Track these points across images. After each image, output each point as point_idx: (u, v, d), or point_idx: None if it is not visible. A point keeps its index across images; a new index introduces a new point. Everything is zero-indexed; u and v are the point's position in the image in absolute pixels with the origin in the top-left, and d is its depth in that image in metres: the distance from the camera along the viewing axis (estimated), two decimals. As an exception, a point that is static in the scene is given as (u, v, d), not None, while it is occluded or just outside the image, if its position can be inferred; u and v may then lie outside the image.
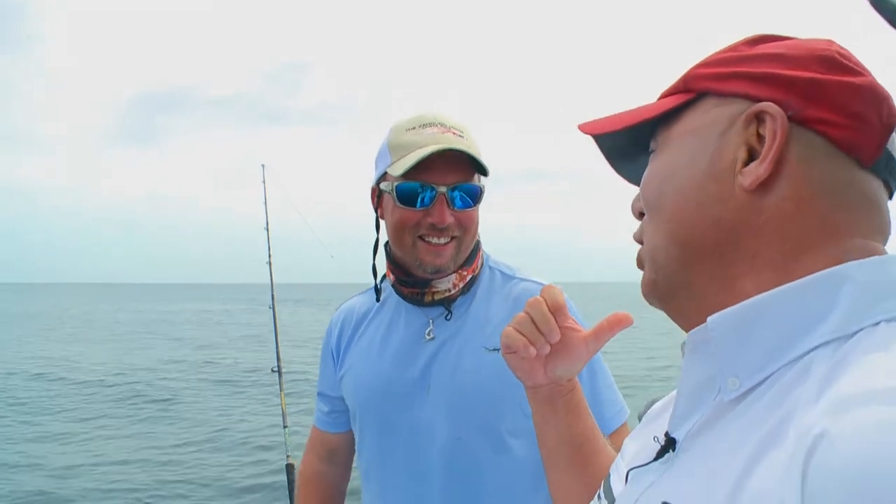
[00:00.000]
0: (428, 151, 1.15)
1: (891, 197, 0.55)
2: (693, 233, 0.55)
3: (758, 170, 0.51)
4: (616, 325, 0.79)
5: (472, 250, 1.30)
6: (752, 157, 0.53)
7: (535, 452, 1.22)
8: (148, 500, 5.98)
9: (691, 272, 0.56)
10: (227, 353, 17.45)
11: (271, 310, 3.54)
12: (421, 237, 1.22)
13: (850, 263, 0.49)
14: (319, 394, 1.48)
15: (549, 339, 0.78)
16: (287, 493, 3.11)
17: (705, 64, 0.58)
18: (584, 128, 0.65)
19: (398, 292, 1.33)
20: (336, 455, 1.49)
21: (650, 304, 0.62)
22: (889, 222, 0.54)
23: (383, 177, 1.26)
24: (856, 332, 0.46)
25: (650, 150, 0.63)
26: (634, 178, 0.67)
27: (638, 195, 0.64)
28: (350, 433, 1.42)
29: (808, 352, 0.47)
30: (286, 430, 3.37)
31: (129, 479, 6.59)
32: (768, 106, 0.52)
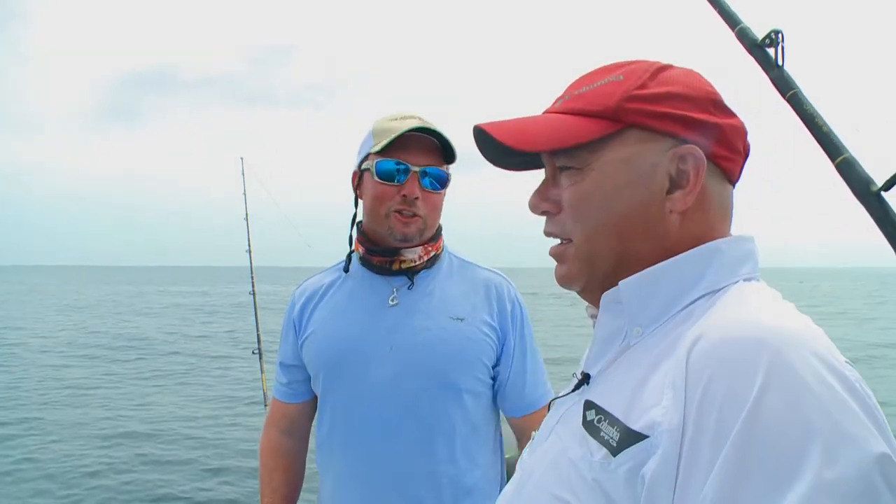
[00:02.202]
0: (407, 127, 1.35)
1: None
2: (631, 247, 0.68)
3: (685, 199, 0.66)
4: None
5: (437, 232, 1.48)
6: (670, 182, 0.67)
7: (486, 415, 1.45)
8: (122, 476, 6.11)
9: (622, 273, 0.69)
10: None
11: (251, 295, 3.71)
12: (395, 210, 1.39)
13: (719, 240, 0.67)
14: (280, 364, 1.55)
15: None
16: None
17: (631, 98, 0.67)
18: (502, 137, 0.69)
19: (366, 263, 1.47)
20: (296, 427, 1.56)
21: (567, 289, 0.75)
22: (733, 213, 0.72)
23: (366, 158, 1.42)
24: (723, 287, 0.64)
25: (559, 164, 0.72)
26: (514, 168, 0.79)
27: (538, 196, 0.74)
28: (308, 404, 1.54)
29: (691, 303, 0.65)
30: (267, 408, 3.52)
31: (103, 453, 6.75)
32: (693, 149, 0.66)
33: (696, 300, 0.65)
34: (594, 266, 0.71)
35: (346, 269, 1.50)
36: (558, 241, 0.74)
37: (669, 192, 0.67)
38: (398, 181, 1.38)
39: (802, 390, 0.50)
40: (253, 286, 3.72)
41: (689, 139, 0.66)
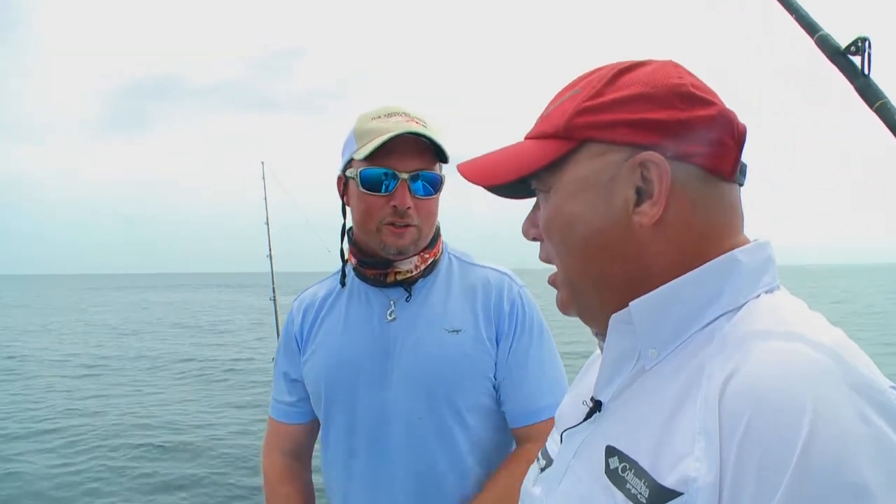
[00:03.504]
0: (392, 134, 1.21)
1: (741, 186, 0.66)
2: (603, 269, 0.64)
3: (652, 210, 0.61)
4: None
5: (434, 236, 1.36)
6: (638, 193, 0.61)
7: (493, 432, 1.32)
8: (149, 480, 6.10)
9: (605, 295, 0.65)
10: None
11: (272, 301, 3.67)
12: (386, 223, 1.27)
13: (737, 250, 0.61)
14: (285, 379, 1.45)
15: None
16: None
17: (581, 111, 0.63)
18: (471, 178, 0.70)
19: (360, 275, 1.37)
20: (302, 449, 1.46)
21: (567, 315, 0.71)
22: (743, 216, 0.65)
23: (349, 164, 1.31)
24: (744, 304, 0.59)
25: (533, 187, 0.70)
26: (507, 196, 0.76)
27: (528, 221, 0.72)
28: (315, 422, 1.43)
29: (710, 322, 0.60)
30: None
31: (120, 459, 6.75)
32: (651, 155, 0.60)
33: (716, 318, 0.60)
34: (577, 291, 0.68)
35: (343, 284, 1.41)
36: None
37: (639, 204, 0.61)
38: (386, 190, 1.26)
39: (851, 440, 0.46)
40: (274, 291, 3.68)
41: (649, 144, 0.60)
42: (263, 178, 3.68)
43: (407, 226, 1.27)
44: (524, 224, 0.73)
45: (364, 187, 1.26)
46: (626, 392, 0.64)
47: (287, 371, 1.44)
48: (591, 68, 0.69)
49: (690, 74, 0.64)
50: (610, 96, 0.62)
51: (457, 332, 1.30)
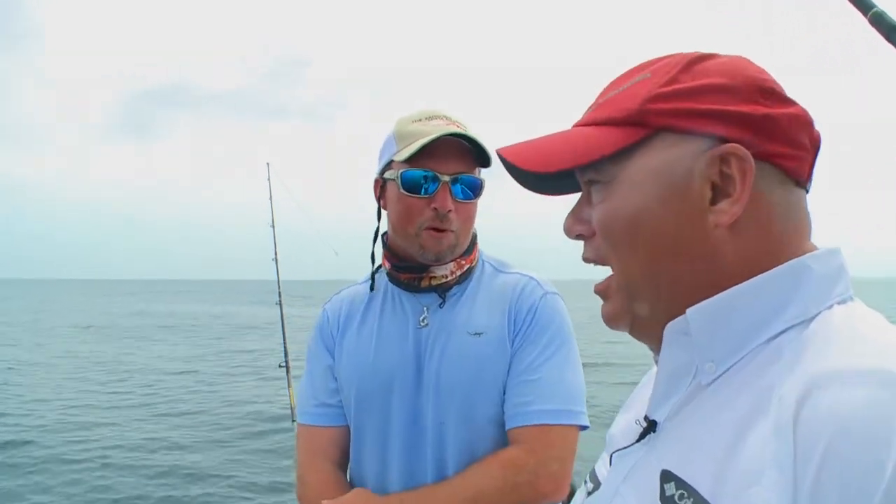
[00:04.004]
0: (435, 135, 1.20)
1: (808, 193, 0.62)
2: (669, 271, 0.59)
3: (732, 209, 0.56)
4: None
5: (471, 243, 1.34)
6: (714, 191, 0.57)
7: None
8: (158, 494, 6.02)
9: (666, 302, 0.60)
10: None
11: (278, 306, 3.58)
12: (427, 227, 1.25)
13: (807, 256, 0.56)
14: (322, 380, 1.38)
15: None
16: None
17: (657, 97, 0.58)
18: (519, 162, 0.63)
19: (393, 280, 1.35)
20: (345, 455, 1.37)
21: (615, 330, 0.65)
22: (811, 223, 0.61)
23: (388, 165, 1.29)
24: (815, 315, 0.54)
25: (586, 179, 0.64)
26: (545, 191, 0.69)
27: (573, 217, 0.66)
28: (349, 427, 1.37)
29: (777, 335, 0.54)
30: (295, 423, 3.40)
31: (127, 474, 6.65)
32: (736, 148, 0.55)
33: (783, 331, 0.54)
34: (634, 297, 0.62)
35: (372, 288, 1.39)
36: (599, 268, 0.66)
37: (714, 202, 0.57)
38: (427, 192, 1.24)
39: None
40: (280, 296, 3.59)
41: (732, 137, 0.56)
42: (269, 180, 3.61)
43: (445, 230, 1.25)
44: (567, 220, 0.66)
45: (405, 188, 1.24)
46: (684, 411, 0.59)
47: (324, 370, 1.39)
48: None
49: (763, 70, 0.60)
50: (688, 84, 0.58)
51: (478, 334, 1.28)
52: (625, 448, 0.64)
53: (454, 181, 1.24)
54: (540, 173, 0.63)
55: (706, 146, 0.56)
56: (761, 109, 0.56)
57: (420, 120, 1.26)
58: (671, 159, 0.58)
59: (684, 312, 0.57)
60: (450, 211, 1.24)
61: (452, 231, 1.26)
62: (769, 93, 0.57)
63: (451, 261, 1.30)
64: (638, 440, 0.63)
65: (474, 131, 1.28)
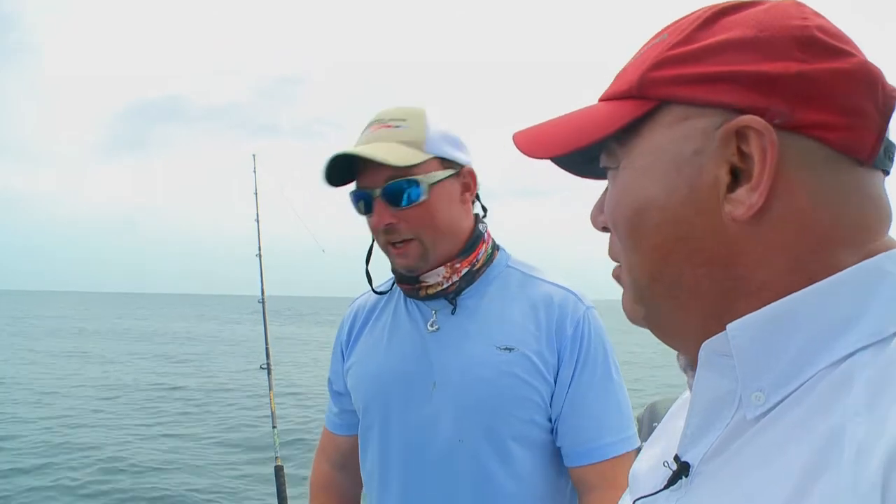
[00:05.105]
0: (327, 159, 1.13)
1: (886, 175, 0.49)
2: (680, 272, 0.48)
3: (750, 198, 0.44)
4: None
5: (471, 242, 1.21)
6: (734, 175, 0.45)
7: (543, 469, 1.17)
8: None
9: (685, 311, 0.49)
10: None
11: (260, 304, 3.42)
12: (388, 243, 1.18)
13: (883, 255, 0.44)
14: (331, 391, 1.44)
15: None
16: (276, 497, 2.96)
17: (661, 63, 0.48)
18: (523, 148, 0.56)
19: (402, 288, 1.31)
20: (349, 460, 1.39)
21: (637, 325, 0.56)
22: (891, 212, 0.48)
23: None
24: (895, 334, 0.42)
25: (602, 164, 0.55)
26: (592, 175, 0.60)
27: (597, 207, 0.57)
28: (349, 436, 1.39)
29: (845, 358, 0.43)
30: (275, 430, 3.23)
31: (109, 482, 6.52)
32: (751, 120, 0.43)
33: (853, 353, 0.43)
34: (642, 299, 0.53)
35: (373, 290, 1.34)
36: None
37: (732, 189, 0.45)
38: (369, 211, 1.17)
39: None
40: (262, 293, 3.42)
41: (751, 106, 0.44)
42: (255, 172, 3.46)
43: (405, 242, 1.15)
44: (592, 210, 0.58)
45: (356, 210, 1.20)
46: (725, 453, 0.48)
47: (333, 381, 1.42)
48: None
49: (819, 15, 0.47)
50: (702, 42, 0.47)
51: (509, 350, 1.16)
52: (650, 496, 0.53)
53: (387, 191, 1.13)
54: (558, 157, 0.55)
55: (719, 120, 0.45)
56: (794, 67, 0.44)
57: (364, 129, 1.19)
58: (677, 137, 0.47)
59: (710, 324, 0.47)
60: (388, 224, 1.14)
61: (412, 239, 1.15)
62: (809, 43, 0.44)
63: (437, 266, 1.19)
64: (666, 486, 0.52)
65: (425, 121, 1.16)
